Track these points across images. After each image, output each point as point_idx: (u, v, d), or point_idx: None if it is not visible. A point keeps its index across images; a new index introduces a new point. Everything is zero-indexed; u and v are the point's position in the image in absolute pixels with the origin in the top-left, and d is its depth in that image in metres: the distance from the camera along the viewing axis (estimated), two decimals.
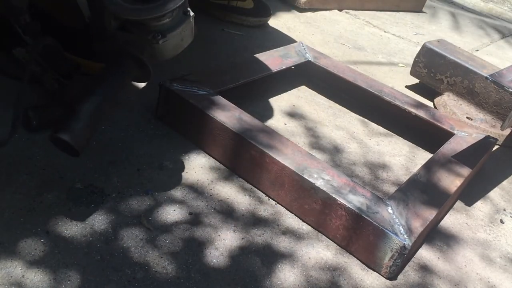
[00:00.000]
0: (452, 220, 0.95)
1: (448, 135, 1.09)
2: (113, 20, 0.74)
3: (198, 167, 0.88)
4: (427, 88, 1.46)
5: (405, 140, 1.19)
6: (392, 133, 1.20)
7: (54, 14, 1.02)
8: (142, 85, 1.07)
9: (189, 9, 0.75)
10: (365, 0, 2.19)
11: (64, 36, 1.00)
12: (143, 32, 0.73)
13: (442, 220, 0.94)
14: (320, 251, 0.78)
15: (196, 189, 0.83)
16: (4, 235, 0.64)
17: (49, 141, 0.82)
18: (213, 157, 0.91)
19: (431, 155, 1.04)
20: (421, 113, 1.15)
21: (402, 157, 1.11)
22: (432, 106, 1.39)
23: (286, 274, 0.72)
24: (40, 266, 0.62)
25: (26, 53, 0.93)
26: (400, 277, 0.78)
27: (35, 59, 0.91)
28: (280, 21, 1.74)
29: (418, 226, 0.78)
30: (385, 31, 2.02)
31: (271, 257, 0.74)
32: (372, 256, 0.77)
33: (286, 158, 0.83)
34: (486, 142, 1.09)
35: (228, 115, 0.90)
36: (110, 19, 0.74)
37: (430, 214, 0.81)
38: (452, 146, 1.03)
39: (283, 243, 0.77)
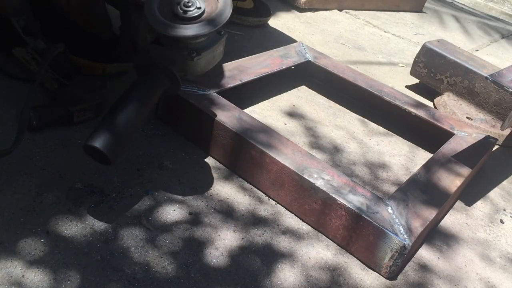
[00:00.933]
0: (452, 220, 0.95)
1: (448, 135, 1.09)
2: (148, 34, 0.76)
3: (198, 167, 0.88)
4: (427, 88, 1.46)
5: (405, 140, 1.19)
6: (392, 133, 1.20)
7: (78, 20, 1.03)
8: None
9: (223, 29, 0.78)
10: (365, 0, 2.19)
11: (79, 40, 1.01)
12: (179, 48, 0.75)
13: (442, 220, 0.94)
14: (320, 251, 0.78)
15: (196, 189, 0.83)
16: (4, 235, 0.64)
17: (49, 141, 0.82)
18: (213, 157, 0.91)
19: (431, 155, 1.04)
20: (421, 113, 1.15)
21: (402, 157, 1.11)
22: (432, 106, 1.39)
23: (286, 274, 0.72)
24: (40, 266, 0.62)
25: (27, 53, 0.93)
26: (400, 277, 0.78)
27: (35, 59, 0.91)
28: (280, 21, 1.74)
29: (418, 226, 0.78)
30: (385, 31, 2.02)
31: (271, 257, 0.74)
32: (372, 256, 0.77)
33: (286, 158, 0.83)
34: (486, 142, 1.09)
35: (228, 115, 0.90)
36: (145, 33, 0.76)
37: (430, 214, 0.81)
38: (452, 146, 1.03)
39: (283, 243, 0.77)
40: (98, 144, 0.66)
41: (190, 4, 0.73)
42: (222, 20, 0.73)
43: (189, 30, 0.72)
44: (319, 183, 0.79)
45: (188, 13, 0.73)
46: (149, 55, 0.76)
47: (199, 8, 0.73)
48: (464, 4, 2.98)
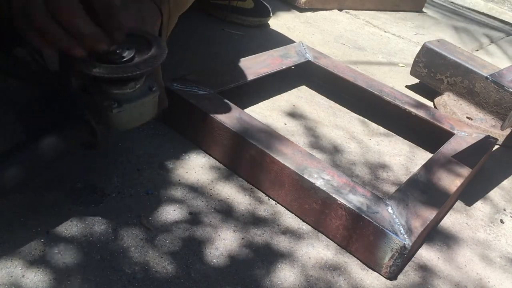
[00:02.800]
0: (452, 220, 0.95)
1: (448, 135, 1.09)
2: (74, 79, 0.68)
3: (198, 167, 0.88)
4: (427, 88, 1.46)
5: (405, 140, 1.19)
6: (392, 133, 1.20)
7: None
8: None
9: (155, 86, 0.69)
10: (365, 0, 2.19)
11: None
12: (102, 97, 0.66)
13: (442, 220, 0.94)
14: (320, 251, 0.78)
15: (196, 189, 0.83)
16: (4, 235, 0.64)
17: None
18: (213, 157, 0.91)
19: (431, 155, 1.04)
20: (421, 113, 1.15)
21: (402, 157, 1.11)
22: (432, 106, 1.39)
23: (286, 274, 0.72)
24: (40, 266, 0.62)
25: (27, 53, 0.93)
26: (400, 277, 0.78)
27: (35, 59, 0.90)
28: (280, 21, 1.74)
29: (418, 226, 0.78)
30: (385, 31, 2.02)
31: (271, 257, 0.74)
32: (372, 256, 0.77)
33: (286, 158, 0.83)
34: (486, 142, 1.09)
35: (228, 115, 0.90)
36: (72, 77, 0.68)
37: (430, 214, 0.81)
38: (452, 146, 1.03)
39: (283, 243, 0.77)
40: None
41: (117, 51, 0.65)
42: (143, 68, 0.64)
43: (99, 69, 0.63)
44: (319, 183, 0.79)
45: (110, 56, 0.64)
46: (76, 102, 0.68)
47: (124, 56, 0.65)
48: (464, 4, 2.98)
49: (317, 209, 0.80)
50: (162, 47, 0.68)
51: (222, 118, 0.89)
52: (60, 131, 0.67)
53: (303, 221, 0.83)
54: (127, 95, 0.67)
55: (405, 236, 0.74)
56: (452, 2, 2.93)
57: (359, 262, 0.78)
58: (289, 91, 1.25)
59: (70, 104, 0.68)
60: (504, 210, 1.04)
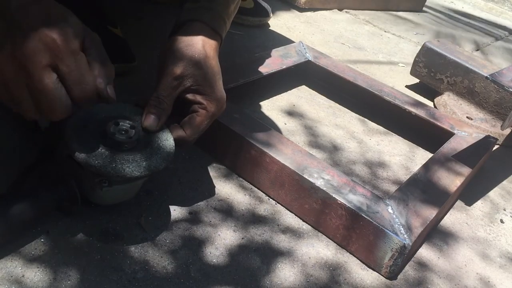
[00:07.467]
0: (452, 220, 0.95)
1: (448, 134, 1.09)
2: (63, 146, 0.65)
3: (198, 166, 0.88)
4: (427, 88, 1.46)
5: (405, 140, 1.19)
6: (392, 133, 1.20)
7: None
8: (141, 84, 1.07)
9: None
10: (365, 0, 2.19)
11: None
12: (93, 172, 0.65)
13: (442, 220, 0.94)
14: (320, 251, 0.78)
15: (196, 189, 0.83)
16: None
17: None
18: (213, 157, 0.91)
19: (431, 154, 1.04)
20: (421, 113, 1.15)
21: (402, 157, 1.11)
22: (432, 106, 1.39)
23: (286, 273, 0.72)
24: (40, 266, 0.62)
25: None
26: (400, 276, 0.78)
27: None
28: (280, 21, 1.74)
29: (418, 225, 0.78)
30: (385, 31, 2.02)
31: (271, 256, 0.74)
32: (372, 255, 0.77)
33: (286, 158, 0.83)
34: (486, 141, 1.09)
35: (228, 114, 0.90)
36: (61, 144, 0.66)
37: (430, 213, 0.81)
38: (452, 146, 1.03)
39: (283, 243, 0.77)
40: None
41: (123, 128, 0.64)
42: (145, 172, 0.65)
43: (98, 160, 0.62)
44: (319, 183, 0.79)
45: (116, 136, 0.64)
46: (64, 168, 0.66)
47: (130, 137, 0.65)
48: (464, 4, 2.98)
49: (317, 209, 0.80)
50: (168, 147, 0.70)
51: (221, 117, 0.88)
52: (42, 195, 0.66)
53: (303, 221, 0.83)
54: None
55: (405, 236, 0.74)
56: (452, 2, 2.93)
57: (359, 262, 0.78)
58: (289, 91, 1.25)
59: (55, 168, 0.67)
60: (504, 210, 1.04)
